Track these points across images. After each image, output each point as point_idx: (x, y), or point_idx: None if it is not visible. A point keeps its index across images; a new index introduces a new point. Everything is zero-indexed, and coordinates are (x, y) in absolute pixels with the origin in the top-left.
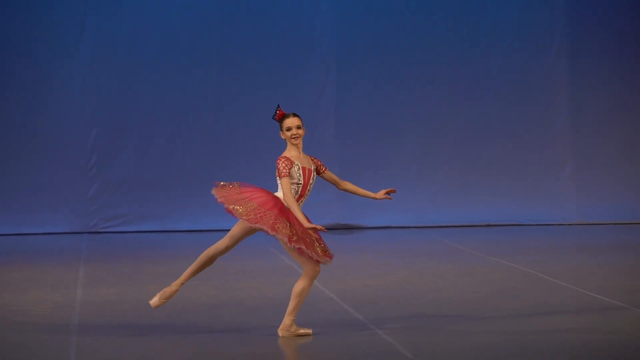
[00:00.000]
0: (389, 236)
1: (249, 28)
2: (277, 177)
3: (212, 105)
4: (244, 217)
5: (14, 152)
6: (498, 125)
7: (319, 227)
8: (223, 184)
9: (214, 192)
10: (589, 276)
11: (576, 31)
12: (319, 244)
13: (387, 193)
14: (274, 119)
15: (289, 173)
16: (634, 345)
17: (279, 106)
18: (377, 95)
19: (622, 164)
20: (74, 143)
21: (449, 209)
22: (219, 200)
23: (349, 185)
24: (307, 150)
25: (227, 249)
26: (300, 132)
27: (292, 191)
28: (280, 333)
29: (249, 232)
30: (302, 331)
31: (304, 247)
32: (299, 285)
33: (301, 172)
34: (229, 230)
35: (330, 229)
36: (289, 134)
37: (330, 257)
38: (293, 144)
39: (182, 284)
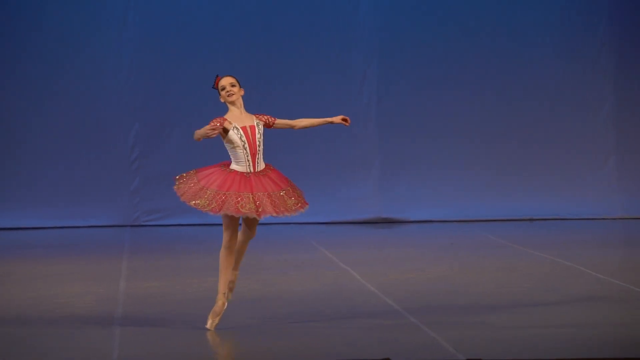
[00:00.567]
0: (431, 230)
1: (290, 19)
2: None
3: (253, 99)
4: (207, 209)
5: (58, 147)
6: (541, 119)
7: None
8: (180, 177)
9: (175, 188)
10: (632, 270)
11: (621, 21)
12: (289, 196)
13: (344, 120)
14: (214, 88)
15: (217, 127)
16: None
17: (217, 76)
18: (419, 89)
19: None
20: (117, 137)
21: (492, 203)
22: (181, 198)
23: (304, 122)
24: (351, 142)
25: (233, 239)
26: (235, 89)
27: (242, 155)
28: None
29: (232, 217)
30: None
31: (273, 214)
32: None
33: (242, 132)
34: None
35: (371, 222)
36: (223, 92)
37: (302, 205)
38: (229, 102)
39: (224, 294)
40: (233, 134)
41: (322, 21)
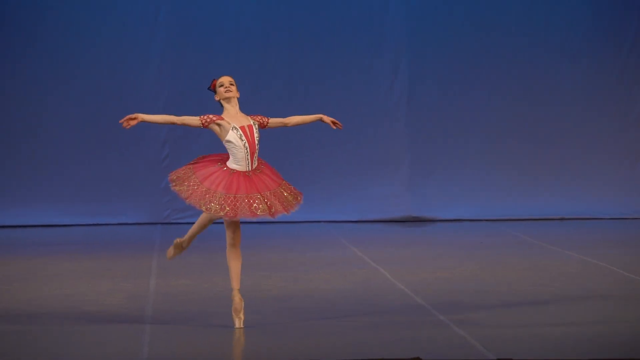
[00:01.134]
0: (460, 229)
1: (321, 18)
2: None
3: (281, 97)
4: (221, 214)
5: (89, 145)
6: (572, 120)
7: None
8: (177, 177)
9: (175, 190)
10: None
11: None
12: (287, 191)
13: (333, 122)
14: (210, 89)
15: (212, 122)
16: None
17: (213, 79)
18: (449, 88)
19: None
20: (147, 135)
21: (521, 202)
22: (186, 201)
23: (296, 119)
24: (381, 141)
25: (237, 236)
26: (233, 88)
27: (243, 155)
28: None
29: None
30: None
31: (285, 212)
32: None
33: (241, 132)
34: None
35: (401, 221)
36: (221, 89)
37: (299, 198)
38: (225, 98)
39: (238, 290)
40: (233, 134)
41: (352, 20)
